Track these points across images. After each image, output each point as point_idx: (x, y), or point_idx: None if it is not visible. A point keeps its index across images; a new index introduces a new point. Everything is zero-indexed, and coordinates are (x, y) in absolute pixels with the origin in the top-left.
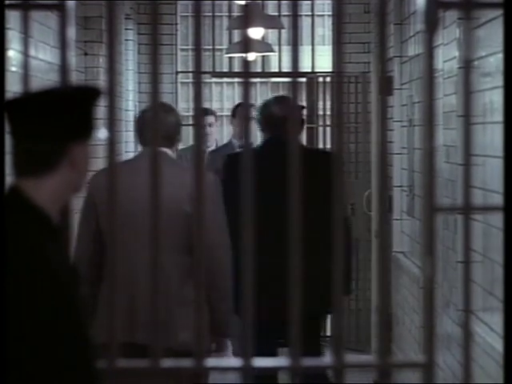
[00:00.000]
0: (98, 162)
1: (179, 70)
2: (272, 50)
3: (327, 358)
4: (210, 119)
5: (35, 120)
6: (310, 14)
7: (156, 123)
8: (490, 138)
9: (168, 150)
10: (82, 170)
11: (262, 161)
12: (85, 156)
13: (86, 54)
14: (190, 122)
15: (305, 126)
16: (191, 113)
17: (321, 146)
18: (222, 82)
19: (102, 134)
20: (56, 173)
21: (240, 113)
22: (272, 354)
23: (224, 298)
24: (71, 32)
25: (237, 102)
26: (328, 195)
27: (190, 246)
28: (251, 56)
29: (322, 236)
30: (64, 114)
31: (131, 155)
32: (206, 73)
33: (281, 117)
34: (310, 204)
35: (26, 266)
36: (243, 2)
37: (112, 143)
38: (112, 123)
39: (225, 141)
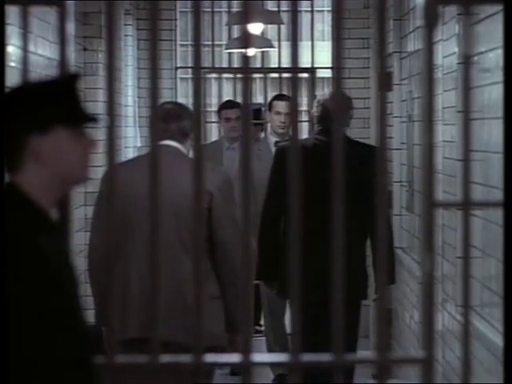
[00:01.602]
0: (98, 158)
1: (178, 65)
2: (271, 46)
3: (327, 355)
4: (237, 112)
5: (4, 116)
6: (309, 9)
7: (157, 119)
8: (490, 133)
9: (180, 146)
10: (52, 162)
11: (313, 154)
12: (51, 148)
13: (85, 50)
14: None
15: (350, 119)
16: (214, 108)
17: None
18: (221, 78)
19: (101, 128)
20: (24, 167)
21: (275, 107)
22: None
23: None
24: (70, 27)
25: (237, 97)
26: (369, 188)
27: (207, 242)
28: (251, 51)
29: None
30: (19, 107)
31: (143, 151)
32: (205, 68)
33: (331, 110)
34: (352, 197)
35: (25, 263)
36: None
37: (111, 138)
38: (111, 118)
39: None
